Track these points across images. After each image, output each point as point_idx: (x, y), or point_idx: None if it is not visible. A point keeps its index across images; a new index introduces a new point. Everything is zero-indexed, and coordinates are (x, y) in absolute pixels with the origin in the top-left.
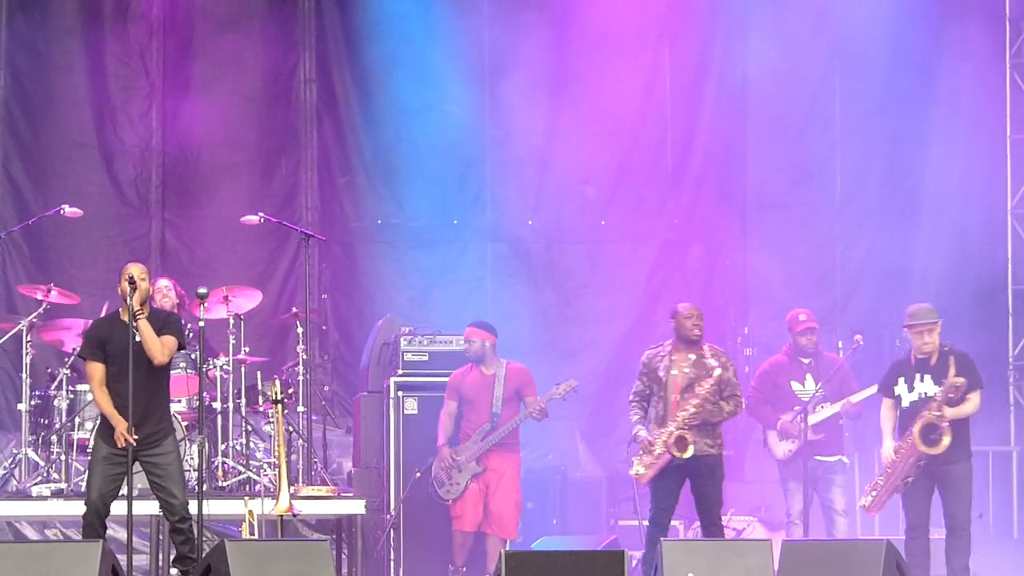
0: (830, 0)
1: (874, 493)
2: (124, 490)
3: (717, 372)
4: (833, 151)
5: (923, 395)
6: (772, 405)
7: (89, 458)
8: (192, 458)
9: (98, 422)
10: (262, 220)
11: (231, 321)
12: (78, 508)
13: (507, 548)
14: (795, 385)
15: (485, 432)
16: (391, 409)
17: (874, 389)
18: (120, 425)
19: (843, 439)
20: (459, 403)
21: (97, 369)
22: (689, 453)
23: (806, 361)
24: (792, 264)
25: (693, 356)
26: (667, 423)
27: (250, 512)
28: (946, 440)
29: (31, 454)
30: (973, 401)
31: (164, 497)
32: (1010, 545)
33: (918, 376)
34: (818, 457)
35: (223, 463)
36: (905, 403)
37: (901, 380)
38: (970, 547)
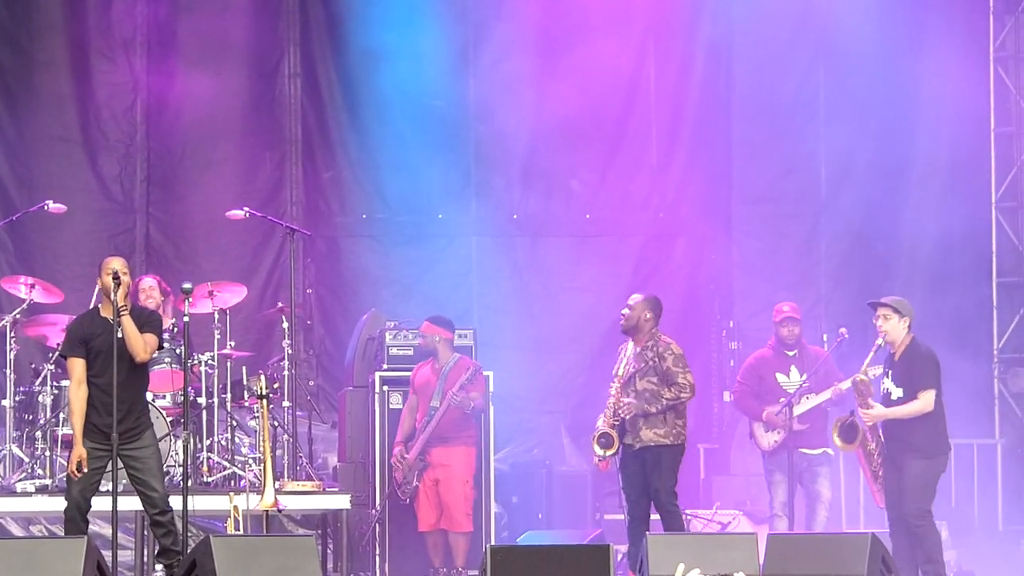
0: None
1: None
2: (109, 486)
3: (677, 362)
4: (818, 145)
5: (886, 391)
6: (758, 398)
7: (70, 453)
8: (177, 453)
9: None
10: (247, 215)
11: (216, 316)
12: (63, 504)
13: (463, 541)
14: (780, 377)
15: (424, 426)
16: (376, 404)
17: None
18: (77, 449)
19: (828, 431)
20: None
21: (78, 365)
22: (612, 451)
23: (791, 353)
24: (777, 257)
25: (638, 348)
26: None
27: (235, 507)
28: (848, 439)
29: (15, 450)
30: (921, 400)
31: (143, 490)
32: (995, 537)
33: (888, 373)
34: (803, 450)
35: (208, 458)
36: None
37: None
38: (926, 538)
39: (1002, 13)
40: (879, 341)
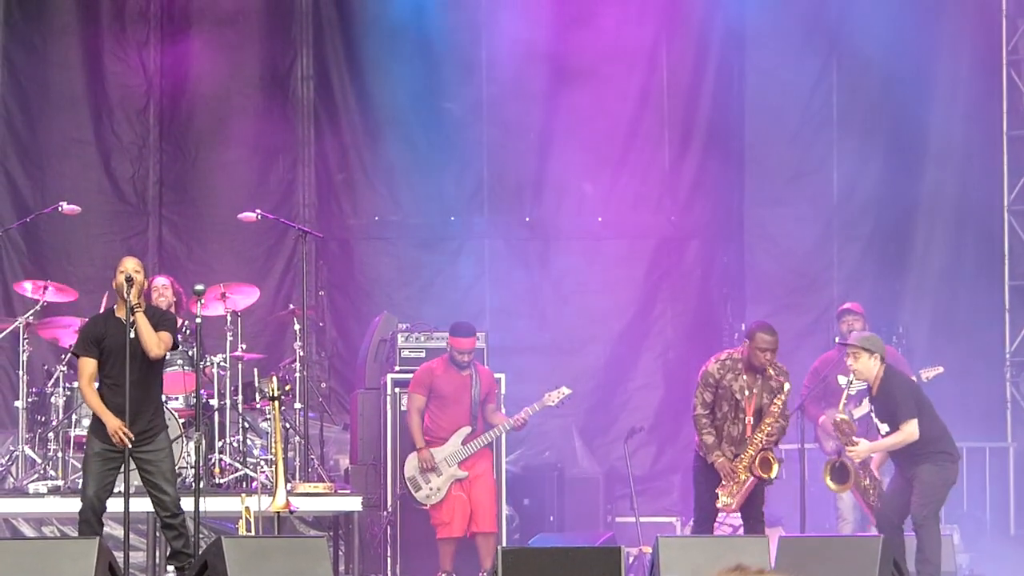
0: None
1: None
2: (121, 487)
3: (787, 387)
4: (831, 148)
5: (876, 427)
6: (823, 400)
7: (84, 455)
8: (189, 455)
9: (92, 419)
10: (259, 217)
11: (228, 318)
12: (75, 505)
13: (500, 543)
14: (841, 380)
15: (465, 436)
16: (388, 405)
17: (940, 369)
18: (112, 422)
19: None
20: (428, 399)
21: (88, 365)
22: (775, 473)
23: None
24: (789, 261)
25: (760, 377)
26: (745, 446)
27: (247, 509)
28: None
29: (28, 451)
30: (904, 432)
31: (155, 493)
32: (1007, 541)
33: (872, 410)
34: None
35: (220, 460)
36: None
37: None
38: (930, 539)
39: (1015, 16)
40: (848, 380)
